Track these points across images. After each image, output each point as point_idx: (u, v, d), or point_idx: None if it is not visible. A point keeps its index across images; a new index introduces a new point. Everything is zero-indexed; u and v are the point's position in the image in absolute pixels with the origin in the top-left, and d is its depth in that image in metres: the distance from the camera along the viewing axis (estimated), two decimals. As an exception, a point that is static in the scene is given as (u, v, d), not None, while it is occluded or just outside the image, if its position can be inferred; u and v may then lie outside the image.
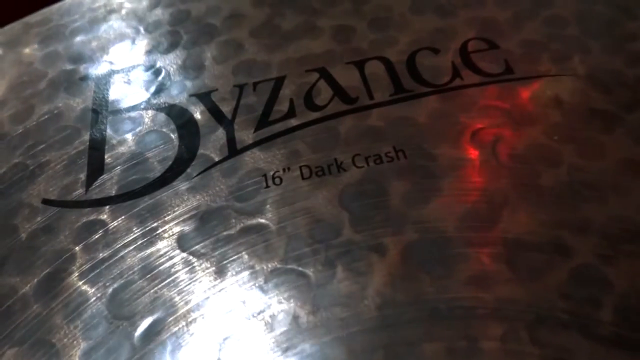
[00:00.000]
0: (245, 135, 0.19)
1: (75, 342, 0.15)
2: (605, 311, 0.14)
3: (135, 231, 0.17)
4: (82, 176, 0.19)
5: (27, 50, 0.24)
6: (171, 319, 0.15)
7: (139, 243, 0.17)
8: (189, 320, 0.15)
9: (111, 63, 0.23)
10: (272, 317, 0.15)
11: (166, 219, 0.17)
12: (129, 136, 0.20)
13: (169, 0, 0.25)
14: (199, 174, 0.18)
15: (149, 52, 0.23)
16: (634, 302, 0.14)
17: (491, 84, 0.20)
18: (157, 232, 0.17)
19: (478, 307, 0.15)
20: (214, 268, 0.16)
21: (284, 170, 0.18)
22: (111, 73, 0.22)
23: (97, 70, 0.23)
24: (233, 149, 0.19)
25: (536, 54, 0.20)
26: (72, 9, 0.26)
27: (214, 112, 0.20)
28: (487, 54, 0.21)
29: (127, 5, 0.26)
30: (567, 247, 0.15)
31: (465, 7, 0.23)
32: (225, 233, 0.17)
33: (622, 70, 0.20)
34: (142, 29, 0.24)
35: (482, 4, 0.23)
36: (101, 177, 0.19)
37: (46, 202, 0.18)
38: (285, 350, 0.14)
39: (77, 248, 0.17)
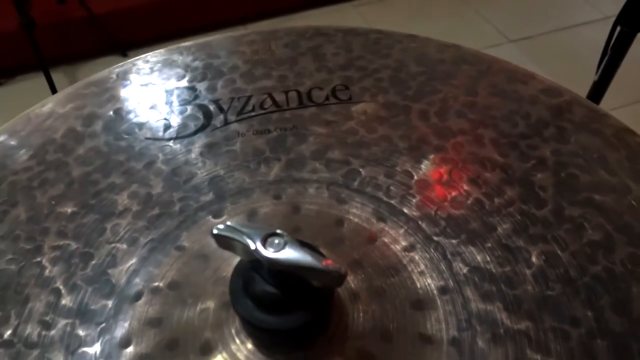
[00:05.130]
0: (232, 116, 0.44)
1: None
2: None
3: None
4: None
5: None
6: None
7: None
8: None
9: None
10: None
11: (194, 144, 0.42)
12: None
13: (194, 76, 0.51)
14: (212, 130, 0.43)
15: (190, 83, 0.49)
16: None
17: (341, 103, 0.45)
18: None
19: None
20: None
21: (245, 132, 0.43)
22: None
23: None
24: (226, 121, 0.44)
25: (363, 93, 0.46)
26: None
27: (219, 107, 0.45)
28: (343, 91, 0.46)
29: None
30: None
31: (340, 70, 0.48)
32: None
33: (397, 101, 0.45)
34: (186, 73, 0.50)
35: (347, 68, 0.48)
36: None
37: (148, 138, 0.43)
38: None
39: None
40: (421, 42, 0.52)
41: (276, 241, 0.26)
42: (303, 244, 0.27)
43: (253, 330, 0.29)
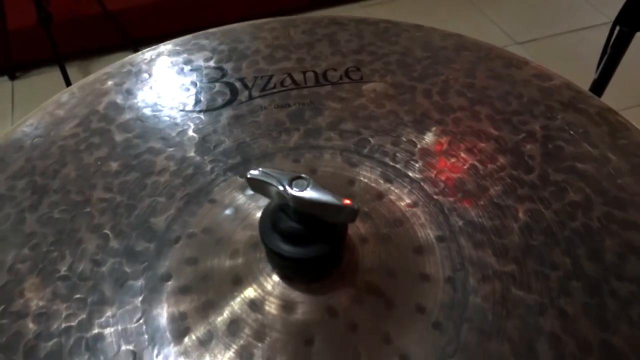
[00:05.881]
0: (255, 93, 0.50)
1: None
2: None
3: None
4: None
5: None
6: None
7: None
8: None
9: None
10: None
11: (222, 113, 0.47)
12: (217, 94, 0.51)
13: (220, 57, 0.56)
14: (238, 104, 0.49)
15: (217, 64, 0.54)
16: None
17: (354, 82, 0.50)
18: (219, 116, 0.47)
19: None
20: (240, 131, 0.46)
21: (267, 106, 0.48)
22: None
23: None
24: (250, 97, 0.49)
25: (373, 74, 0.51)
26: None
27: (244, 84, 0.51)
28: (355, 72, 0.51)
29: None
30: (360, 132, 0.46)
31: (352, 54, 0.54)
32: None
33: (404, 81, 0.50)
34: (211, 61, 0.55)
35: (359, 52, 0.54)
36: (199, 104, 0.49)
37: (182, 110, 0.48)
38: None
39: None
40: (426, 32, 0.57)
41: (301, 183, 0.31)
42: (323, 187, 0.32)
43: (278, 262, 0.34)
